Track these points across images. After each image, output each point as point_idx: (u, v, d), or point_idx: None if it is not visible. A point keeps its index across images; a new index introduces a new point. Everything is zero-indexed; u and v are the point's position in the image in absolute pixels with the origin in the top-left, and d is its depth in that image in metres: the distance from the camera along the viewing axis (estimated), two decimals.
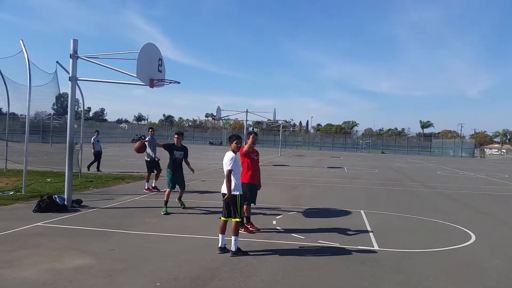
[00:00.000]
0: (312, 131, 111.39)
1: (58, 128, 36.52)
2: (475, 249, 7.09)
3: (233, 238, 6.11)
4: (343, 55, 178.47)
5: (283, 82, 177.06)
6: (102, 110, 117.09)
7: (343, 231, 7.92)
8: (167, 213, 8.92)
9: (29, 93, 10.62)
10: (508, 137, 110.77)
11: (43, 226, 7.48)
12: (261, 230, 7.71)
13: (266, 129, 67.18)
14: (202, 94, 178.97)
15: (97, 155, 17.82)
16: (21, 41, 10.67)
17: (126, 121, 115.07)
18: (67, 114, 9.77)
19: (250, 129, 44.08)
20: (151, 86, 9.35)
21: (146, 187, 12.43)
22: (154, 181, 12.84)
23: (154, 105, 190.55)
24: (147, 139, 12.07)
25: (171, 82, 9.84)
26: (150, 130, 13.49)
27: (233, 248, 6.09)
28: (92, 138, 18.45)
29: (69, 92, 9.55)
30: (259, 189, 8.20)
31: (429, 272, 5.70)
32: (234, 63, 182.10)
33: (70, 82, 9.41)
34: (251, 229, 7.62)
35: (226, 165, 6.26)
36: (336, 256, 6.27)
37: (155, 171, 12.88)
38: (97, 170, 17.12)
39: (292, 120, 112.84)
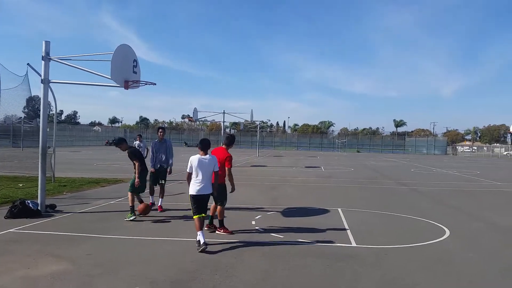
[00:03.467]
0: (289, 131, 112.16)
1: (29, 132, 35.39)
2: (449, 244, 7.28)
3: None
4: (320, 57, 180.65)
5: (260, 84, 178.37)
6: (75, 113, 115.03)
7: (321, 230, 8.00)
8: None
9: None
10: (479, 134, 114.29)
11: (16, 232, 7.26)
12: (241, 231, 7.71)
13: (244, 130, 67.12)
14: (179, 95, 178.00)
15: None
16: None
17: (100, 124, 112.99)
18: (38, 117, 9.50)
19: (227, 130, 43.95)
20: (126, 87, 9.21)
21: None
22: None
23: (129, 107, 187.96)
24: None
25: (146, 84, 9.71)
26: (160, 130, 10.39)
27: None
28: (135, 143, 16.05)
29: (41, 95, 9.29)
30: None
31: (406, 267, 5.84)
32: (211, 64, 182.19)
33: (42, 84, 9.17)
34: (224, 233, 7.46)
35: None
36: (316, 254, 6.32)
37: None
38: None
39: (269, 120, 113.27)
